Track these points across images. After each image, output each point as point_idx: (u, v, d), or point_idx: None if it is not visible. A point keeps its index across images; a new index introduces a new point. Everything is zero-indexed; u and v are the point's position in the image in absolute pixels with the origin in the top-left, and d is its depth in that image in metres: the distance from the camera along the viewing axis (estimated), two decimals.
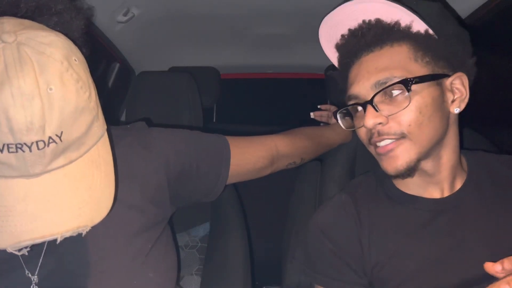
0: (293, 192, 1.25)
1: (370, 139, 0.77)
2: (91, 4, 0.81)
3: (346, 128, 0.85)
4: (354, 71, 0.79)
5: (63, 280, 0.67)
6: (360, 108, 0.78)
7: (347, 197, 0.86)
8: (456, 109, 0.77)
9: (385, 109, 0.74)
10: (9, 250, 0.52)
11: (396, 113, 0.73)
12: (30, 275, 0.66)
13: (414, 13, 0.75)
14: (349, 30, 0.81)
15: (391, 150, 0.75)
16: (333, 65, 0.91)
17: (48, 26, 0.60)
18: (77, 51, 0.58)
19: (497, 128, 1.29)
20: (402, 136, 0.74)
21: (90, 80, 0.58)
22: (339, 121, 0.84)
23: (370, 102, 0.74)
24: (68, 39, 0.57)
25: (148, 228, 0.74)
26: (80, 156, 0.56)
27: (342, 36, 0.83)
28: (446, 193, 0.81)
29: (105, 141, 0.61)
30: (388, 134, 0.74)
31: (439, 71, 0.76)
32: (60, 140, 0.52)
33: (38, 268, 0.67)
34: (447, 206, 0.79)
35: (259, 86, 2.79)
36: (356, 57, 0.79)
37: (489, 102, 1.23)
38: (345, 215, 0.84)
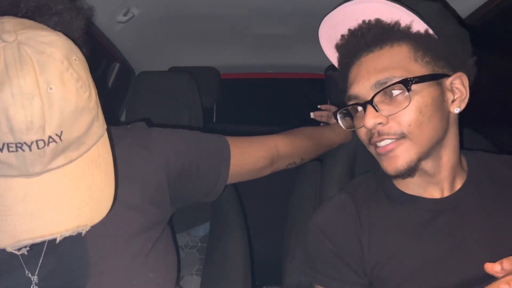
0: (293, 192, 1.25)
1: (370, 139, 0.77)
2: (91, 4, 0.81)
3: (346, 128, 0.85)
4: (354, 71, 0.79)
5: (63, 280, 0.67)
6: (360, 108, 0.78)
7: (347, 197, 0.86)
8: (456, 109, 0.77)
9: (385, 109, 0.74)
10: (9, 249, 0.52)
11: (396, 113, 0.73)
12: (30, 275, 0.66)
13: (414, 13, 0.75)
14: (349, 30, 0.81)
15: (391, 150, 0.75)
16: (333, 65, 0.91)
17: (48, 26, 0.60)
18: (77, 50, 0.58)
19: (497, 128, 1.29)
20: (402, 136, 0.74)
21: (90, 80, 0.58)
22: (339, 121, 0.84)
23: (370, 102, 0.74)
24: (68, 39, 0.57)
25: (148, 228, 0.74)
26: (80, 156, 0.56)
27: (342, 36, 0.83)
28: (446, 193, 0.81)
29: (105, 140, 0.61)
30: (388, 134, 0.74)
31: (439, 71, 0.76)
32: (60, 139, 0.52)
33: (38, 268, 0.67)
34: (447, 206, 0.79)
35: (259, 86, 2.78)
36: (356, 57, 0.79)
37: (489, 102, 1.23)
38: (345, 215, 0.84)
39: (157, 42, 1.68)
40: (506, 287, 0.55)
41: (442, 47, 0.76)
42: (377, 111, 0.74)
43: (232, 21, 1.55)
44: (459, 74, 0.77)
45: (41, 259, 0.67)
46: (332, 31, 0.84)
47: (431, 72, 0.75)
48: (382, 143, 0.75)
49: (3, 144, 0.49)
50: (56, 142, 0.52)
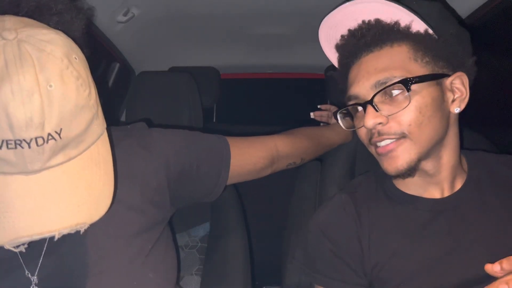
0: (293, 192, 1.25)
1: (370, 139, 0.77)
2: (91, 4, 0.81)
3: (346, 128, 0.85)
4: (354, 72, 0.79)
5: (62, 281, 0.67)
6: (360, 108, 0.78)
7: (347, 197, 0.86)
8: (456, 109, 0.77)
9: (385, 109, 0.74)
10: (7, 246, 0.52)
11: (396, 113, 0.73)
12: (30, 275, 0.66)
13: (413, 13, 0.75)
14: (349, 30, 0.81)
15: (391, 150, 0.75)
16: (333, 65, 0.91)
17: (48, 25, 0.60)
18: (78, 49, 0.58)
19: (497, 128, 1.29)
20: (402, 136, 0.74)
21: (90, 79, 0.58)
22: (339, 121, 0.84)
23: (370, 102, 0.74)
24: (69, 38, 0.57)
25: (148, 228, 0.74)
26: (80, 154, 0.56)
27: (342, 36, 0.83)
28: (446, 193, 0.81)
29: (104, 139, 0.61)
30: (388, 134, 0.74)
31: (439, 71, 0.76)
32: (60, 137, 0.52)
33: (38, 268, 0.66)
34: (447, 206, 0.79)
35: (259, 86, 2.78)
36: (356, 58, 0.79)
37: (489, 102, 1.23)
38: (345, 215, 0.84)
39: (157, 42, 1.68)
40: (506, 287, 0.55)
41: (442, 47, 0.76)
42: (377, 111, 0.74)
43: (232, 21, 1.55)
44: (459, 74, 0.77)
45: (41, 260, 0.67)
46: (332, 31, 0.84)
47: (431, 72, 0.75)
48: (382, 143, 0.75)
49: (2, 141, 0.49)
50: (55, 139, 0.52)
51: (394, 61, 0.74)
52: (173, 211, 0.84)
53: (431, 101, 0.73)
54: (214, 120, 2.44)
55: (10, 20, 0.54)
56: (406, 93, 0.72)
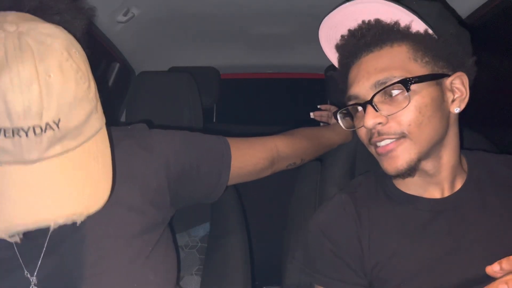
0: (293, 192, 1.25)
1: (370, 139, 0.78)
2: (91, 4, 0.81)
3: (346, 128, 0.85)
4: (354, 72, 0.79)
5: (62, 281, 0.67)
6: (360, 108, 0.78)
7: (347, 197, 0.86)
8: (456, 109, 0.77)
9: (385, 109, 0.74)
10: (2, 235, 0.51)
11: (395, 113, 0.73)
12: (29, 275, 0.66)
13: (413, 13, 0.75)
14: (349, 30, 0.81)
15: (391, 150, 0.75)
16: (333, 65, 0.91)
17: None
18: (78, 44, 0.58)
19: (497, 128, 1.29)
20: (402, 136, 0.74)
21: (90, 73, 0.58)
22: (339, 121, 0.85)
23: (370, 102, 0.74)
24: (69, 33, 0.57)
25: (148, 229, 0.74)
26: (78, 146, 0.56)
27: (342, 36, 0.83)
28: (446, 193, 0.81)
29: (103, 135, 0.61)
30: (388, 134, 0.74)
31: (438, 71, 0.76)
32: (58, 127, 0.52)
33: (37, 268, 0.66)
34: (447, 206, 0.79)
35: (259, 86, 2.78)
36: (356, 58, 0.79)
37: (489, 102, 1.23)
38: (345, 215, 0.84)
39: (157, 42, 1.68)
40: (505, 287, 0.55)
41: (442, 47, 0.76)
42: (377, 111, 0.74)
43: (232, 21, 1.55)
44: (459, 74, 0.77)
45: (40, 260, 0.66)
46: (332, 31, 0.84)
47: (431, 72, 0.75)
48: (382, 143, 0.75)
49: (0, 130, 0.50)
50: (53, 129, 0.52)
51: (394, 61, 0.74)
52: (174, 212, 0.83)
53: (431, 101, 0.73)
54: (214, 120, 2.44)
55: (12, 15, 0.55)
56: (406, 93, 0.72)
